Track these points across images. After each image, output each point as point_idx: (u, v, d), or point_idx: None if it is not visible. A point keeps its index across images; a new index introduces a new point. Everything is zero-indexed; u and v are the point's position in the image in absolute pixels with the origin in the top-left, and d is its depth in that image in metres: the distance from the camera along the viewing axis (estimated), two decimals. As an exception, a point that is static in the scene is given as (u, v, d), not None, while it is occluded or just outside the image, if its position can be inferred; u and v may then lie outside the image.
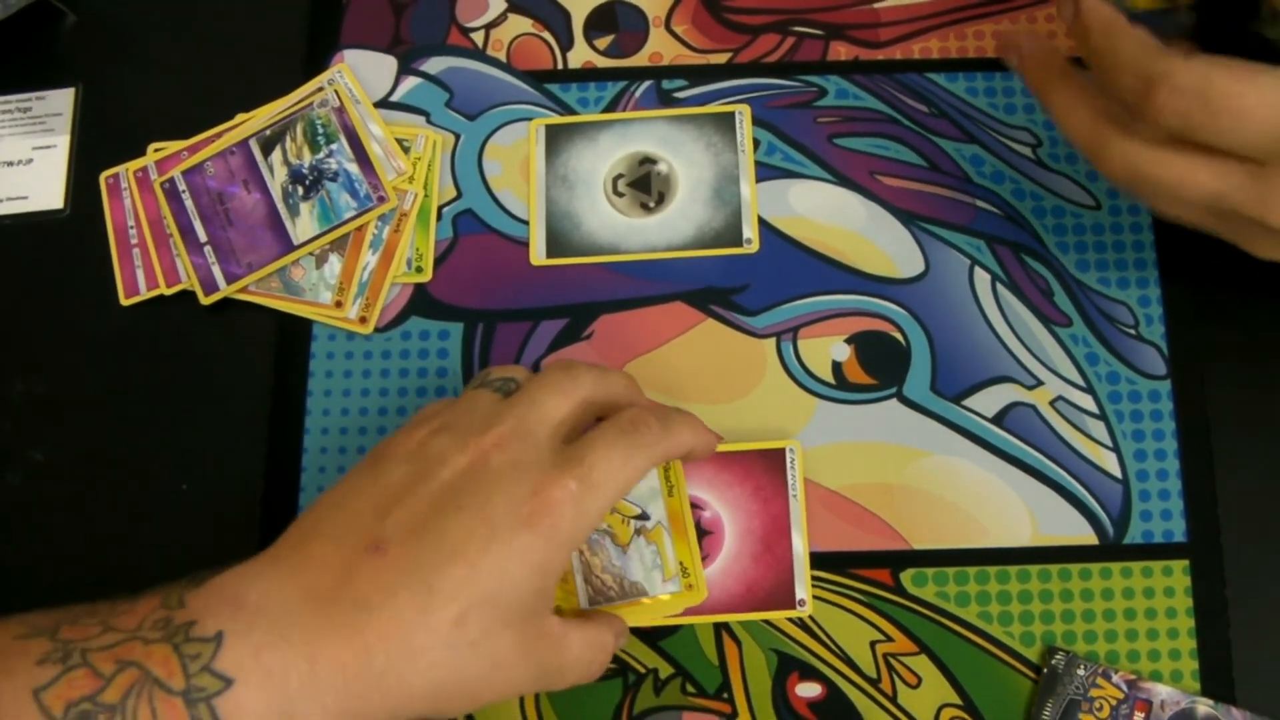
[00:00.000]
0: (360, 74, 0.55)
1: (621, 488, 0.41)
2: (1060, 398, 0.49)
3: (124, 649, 0.36)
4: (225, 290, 0.52)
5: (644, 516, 0.47)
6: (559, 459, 0.41)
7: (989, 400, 0.49)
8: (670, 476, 0.48)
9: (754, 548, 0.48)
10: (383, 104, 0.55)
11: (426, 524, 0.39)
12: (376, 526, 0.39)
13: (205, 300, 0.52)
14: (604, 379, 0.44)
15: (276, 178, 0.53)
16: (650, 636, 0.48)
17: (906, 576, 0.48)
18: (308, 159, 0.53)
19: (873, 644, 0.47)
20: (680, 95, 0.54)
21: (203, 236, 0.53)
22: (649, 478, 0.48)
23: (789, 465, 0.48)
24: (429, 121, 0.54)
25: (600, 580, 0.47)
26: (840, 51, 0.54)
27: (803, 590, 0.47)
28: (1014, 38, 0.46)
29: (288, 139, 0.53)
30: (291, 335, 0.52)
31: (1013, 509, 0.48)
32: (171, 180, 0.54)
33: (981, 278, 0.51)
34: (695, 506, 0.48)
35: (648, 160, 0.53)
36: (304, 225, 0.52)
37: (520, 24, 0.56)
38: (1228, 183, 0.41)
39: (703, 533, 0.47)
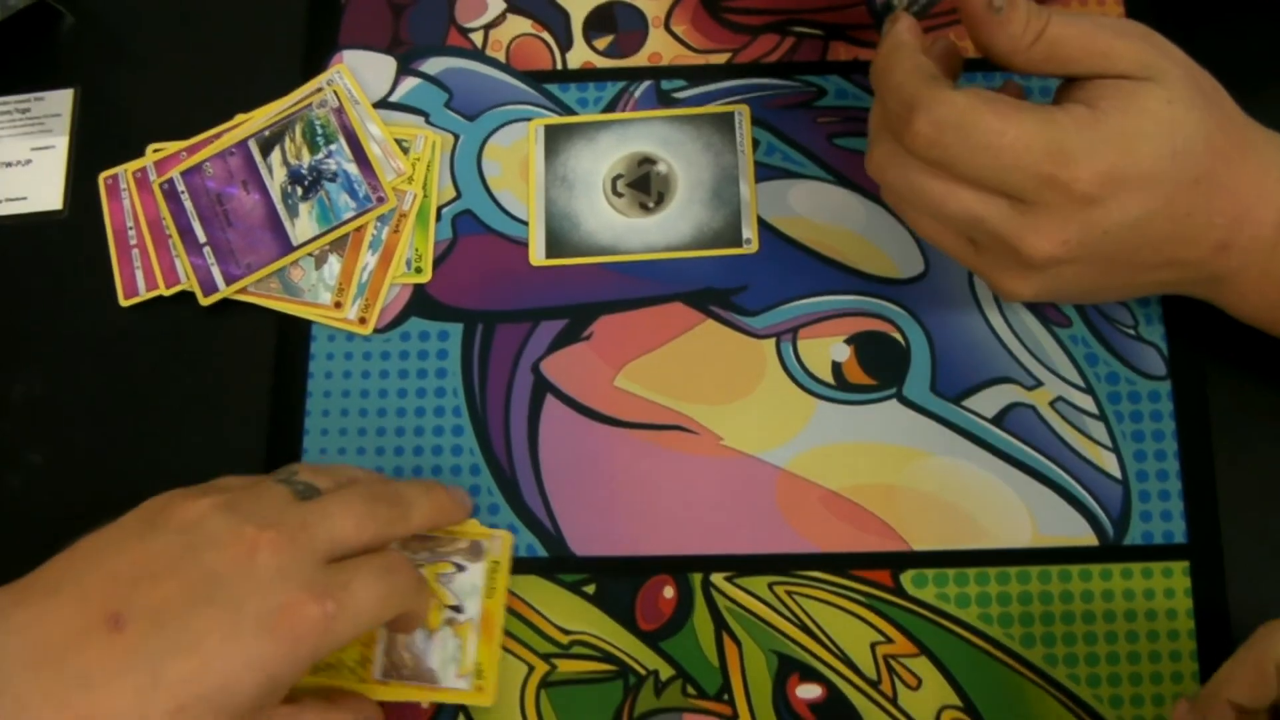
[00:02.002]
0: (359, 75, 0.55)
1: (374, 623, 0.42)
2: (1060, 398, 0.49)
3: None
4: (224, 291, 0.52)
5: (458, 609, 0.47)
6: (322, 577, 0.40)
7: (989, 401, 0.49)
8: (495, 579, 0.48)
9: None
10: (382, 104, 0.55)
11: (172, 609, 0.38)
12: (125, 596, 0.38)
13: (204, 301, 0.52)
14: (403, 524, 0.44)
15: (275, 178, 0.53)
16: (651, 638, 0.48)
17: (906, 578, 0.48)
18: (307, 160, 0.53)
19: (873, 645, 0.47)
20: (679, 95, 0.54)
21: (202, 237, 0.52)
22: (474, 574, 0.48)
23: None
24: (428, 122, 0.54)
25: (400, 656, 0.47)
26: (840, 51, 0.54)
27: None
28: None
29: (287, 140, 0.53)
30: (291, 336, 0.52)
31: (1013, 510, 0.48)
32: (170, 181, 0.53)
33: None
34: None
35: (647, 160, 0.53)
36: (303, 226, 0.52)
37: (519, 24, 0.56)
38: (989, 209, 0.41)
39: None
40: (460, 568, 0.48)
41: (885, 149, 0.43)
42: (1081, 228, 0.40)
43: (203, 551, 0.40)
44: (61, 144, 0.56)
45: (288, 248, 0.52)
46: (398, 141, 0.53)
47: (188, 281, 0.52)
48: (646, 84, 0.54)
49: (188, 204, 0.53)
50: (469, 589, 0.48)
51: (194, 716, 0.38)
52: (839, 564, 0.48)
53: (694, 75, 0.54)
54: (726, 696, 0.47)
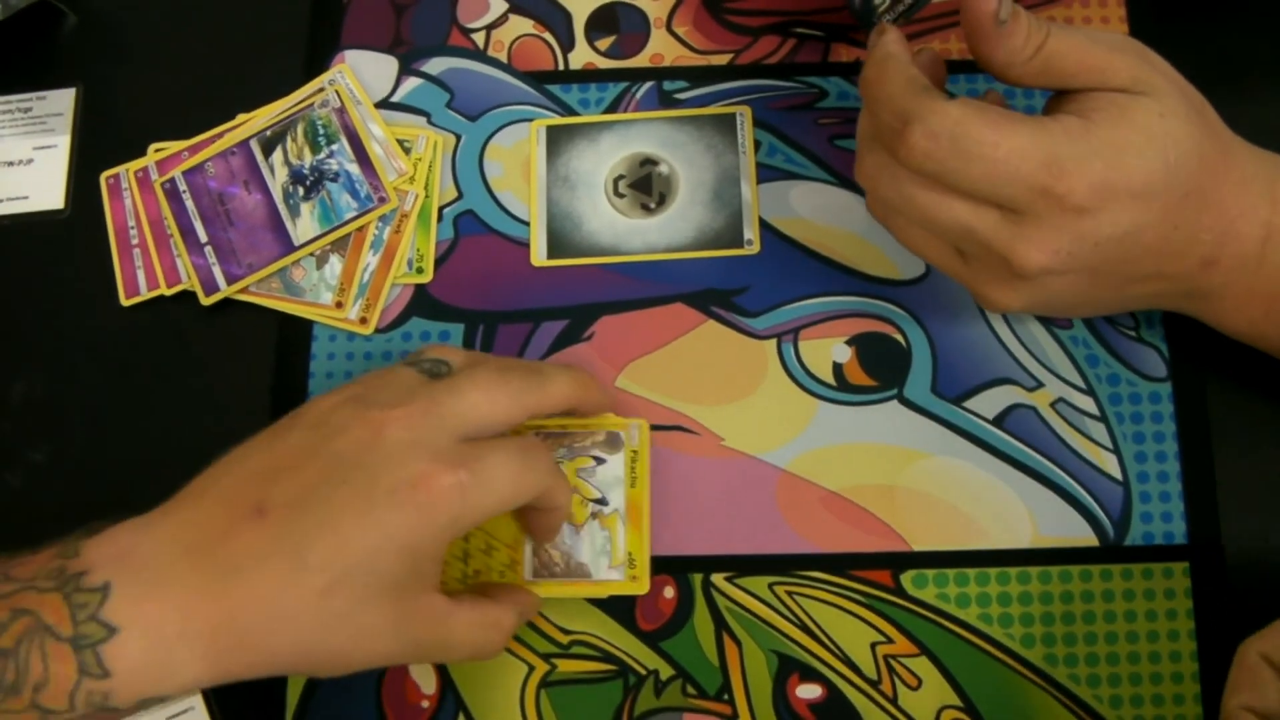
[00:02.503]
0: (361, 74, 0.55)
1: (510, 499, 0.42)
2: (1061, 399, 0.49)
3: (19, 598, 0.38)
4: (226, 291, 0.52)
5: (603, 502, 0.48)
6: (457, 449, 0.41)
7: (989, 402, 0.49)
8: (636, 469, 0.48)
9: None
10: (383, 104, 0.55)
11: (310, 493, 0.40)
12: (264, 490, 0.40)
13: (206, 301, 0.52)
14: (539, 395, 0.44)
15: (277, 178, 0.53)
16: (651, 638, 0.48)
17: (907, 578, 0.48)
18: (308, 159, 0.53)
19: (873, 645, 0.47)
20: (681, 96, 0.54)
21: (203, 237, 0.53)
22: (614, 465, 0.48)
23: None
24: (430, 122, 0.54)
25: (549, 555, 0.47)
26: (841, 53, 0.54)
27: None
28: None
29: (288, 139, 0.53)
30: (292, 336, 0.52)
31: (1013, 510, 0.48)
32: (172, 180, 0.53)
33: (982, 279, 0.51)
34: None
35: (649, 161, 0.53)
36: (305, 226, 0.52)
37: (521, 25, 0.56)
38: (981, 219, 0.41)
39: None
40: (600, 460, 0.48)
41: (875, 159, 0.43)
42: (1073, 238, 0.40)
43: (334, 439, 0.41)
44: (63, 143, 0.56)
45: (289, 248, 0.52)
46: (399, 142, 0.54)
47: (189, 281, 0.52)
48: (648, 85, 0.54)
49: (189, 203, 0.53)
50: (611, 481, 0.48)
51: (343, 592, 0.39)
52: (839, 564, 0.48)
53: (696, 76, 0.54)
54: (726, 696, 0.47)
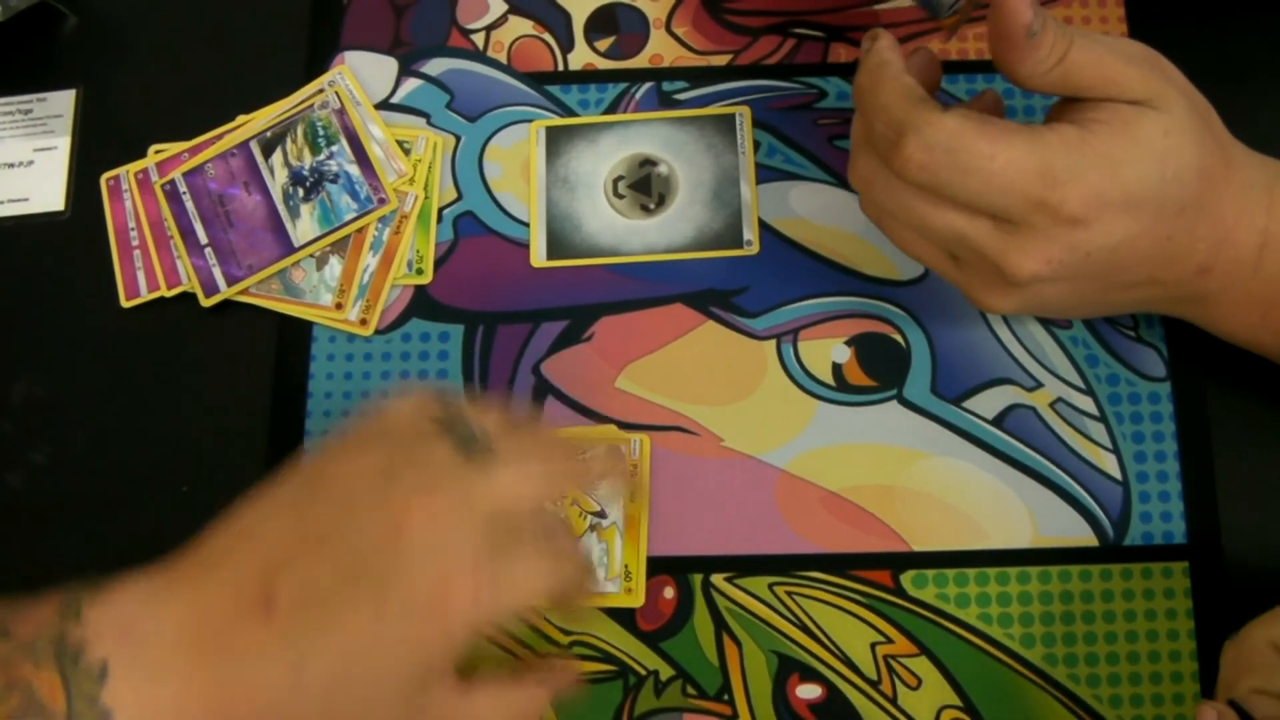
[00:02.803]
0: (361, 76, 0.55)
1: (533, 602, 0.40)
2: (1060, 399, 0.49)
3: (16, 667, 0.36)
4: (226, 292, 0.52)
5: (601, 515, 0.48)
6: (481, 549, 0.38)
7: (989, 402, 0.49)
8: (635, 482, 0.48)
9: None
10: (383, 106, 0.55)
11: (321, 592, 0.37)
12: (275, 578, 0.38)
13: (206, 302, 0.52)
14: (576, 479, 0.43)
15: (277, 179, 0.53)
16: (651, 638, 0.48)
17: (906, 578, 0.48)
18: (308, 160, 0.53)
19: (873, 645, 0.47)
20: (681, 97, 0.54)
21: (203, 238, 0.53)
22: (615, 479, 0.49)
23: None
24: (429, 123, 0.54)
25: None
26: (841, 53, 0.54)
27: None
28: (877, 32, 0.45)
29: (288, 140, 0.53)
30: (292, 337, 0.52)
31: (1013, 511, 0.48)
32: (172, 182, 0.54)
33: (981, 279, 0.51)
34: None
35: (648, 162, 0.53)
36: (304, 227, 0.52)
37: (521, 25, 0.56)
38: (974, 228, 0.41)
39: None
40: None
41: (869, 163, 0.43)
42: (1065, 249, 0.40)
43: (354, 527, 0.38)
44: (63, 145, 0.56)
45: (289, 249, 0.52)
46: (399, 143, 0.54)
47: (189, 283, 0.53)
48: (648, 85, 0.54)
49: (189, 205, 0.53)
50: (611, 495, 0.48)
51: (344, 696, 0.37)
52: (839, 564, 0.48)
53: (695, 77, 0.54)
54: (726, 696, 0.47)
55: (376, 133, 0.54)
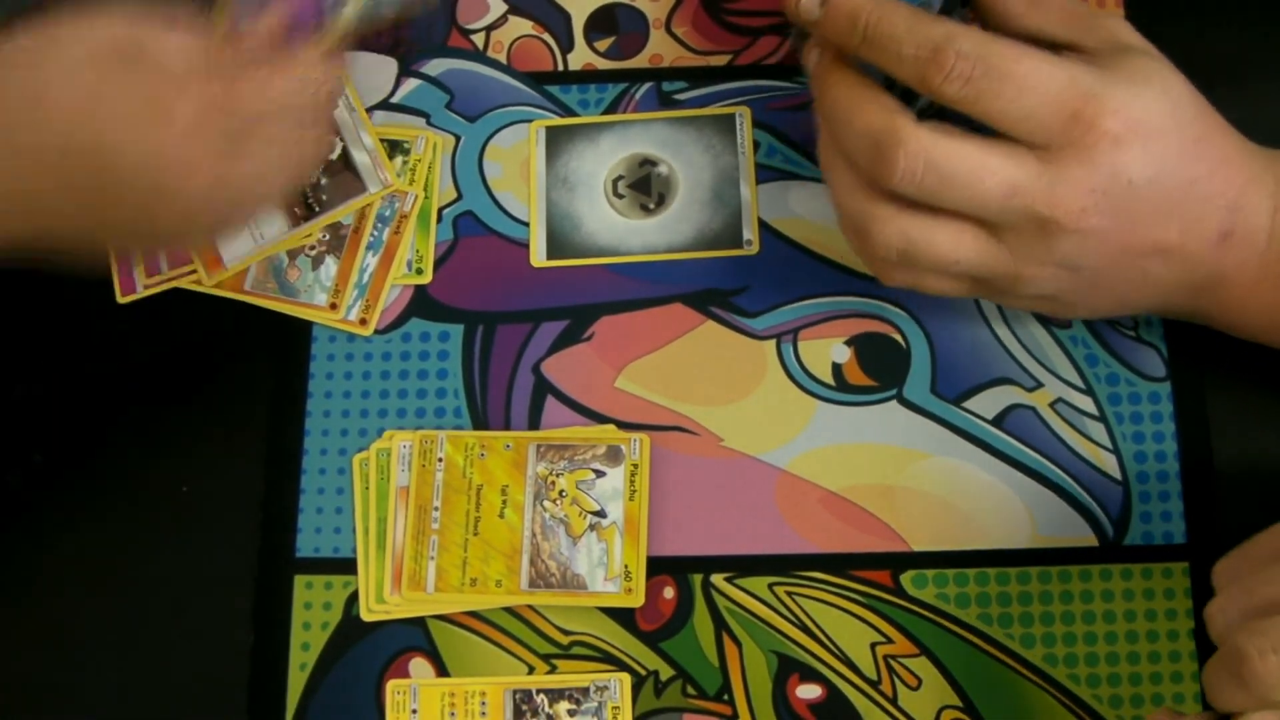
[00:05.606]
0: (360, 75, 0.55)
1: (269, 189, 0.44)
2: (1060, 399, 0.49)
3: None
4: (232, 269, 0.52)
5: (601, 514, 0.48)
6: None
7: (989, 402, 0.49)
8: (636, 482, 0.48)
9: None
10: (383, 105, 0.55)
11: None
12: None
13: (209, 282, 0.52)
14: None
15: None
16: (651, 638, 0.48)
17: (906, 578, 0.48)
18: None
19: (873, 645, 0.47)
20: (680, 97, 0.54)
21: None
22: (613, 478, 0.48)
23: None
24: (429, 123, 0.54)
25: (545, 565, 0.47)
26: (840, 53, 0.54)
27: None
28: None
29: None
30: (292, 336, 0.52)
31: (1012, 511, 0.48)
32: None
33: (981, 279, 0.51)
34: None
35: (648, 162, 0.53)
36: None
37: (520, 26, 0.56)
38: (1020, 167, 0.41)
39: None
40: (600, 473, 0.48)
41: (847, 178, 0.43)
42: (1108, 176, 0.40)
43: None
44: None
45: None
46: (398, 143, 0.54)
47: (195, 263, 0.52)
48: (647, 85, 0.54)
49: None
50: (610, 493, 0.48)
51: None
52: (839, 564, 0.48)
53: (695, 77, 0.54)
54: (726, 697, 0.47)
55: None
